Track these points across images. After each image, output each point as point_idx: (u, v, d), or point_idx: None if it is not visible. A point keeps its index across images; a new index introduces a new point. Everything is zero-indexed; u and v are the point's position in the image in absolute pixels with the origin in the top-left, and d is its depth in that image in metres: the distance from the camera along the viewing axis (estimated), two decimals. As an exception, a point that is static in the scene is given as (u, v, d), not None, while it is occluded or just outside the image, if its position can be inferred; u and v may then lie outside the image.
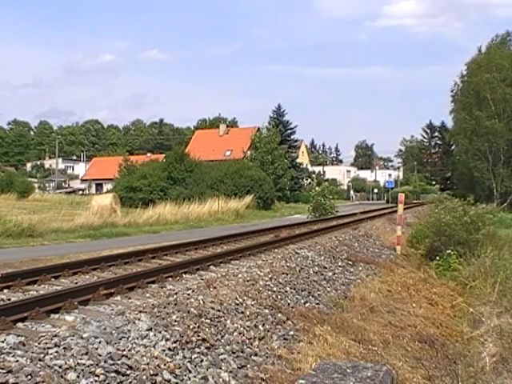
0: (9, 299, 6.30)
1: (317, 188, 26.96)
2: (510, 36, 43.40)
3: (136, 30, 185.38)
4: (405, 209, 18.38)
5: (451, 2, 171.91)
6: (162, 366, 4.48)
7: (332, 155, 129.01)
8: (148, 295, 6.86)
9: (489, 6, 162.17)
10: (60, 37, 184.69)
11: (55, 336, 4.43)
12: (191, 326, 5.36)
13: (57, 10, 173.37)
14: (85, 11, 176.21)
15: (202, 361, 4.94)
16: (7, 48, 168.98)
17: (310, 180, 59.81)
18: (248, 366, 5.28)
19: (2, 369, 3.68)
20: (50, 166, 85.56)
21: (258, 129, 52.15)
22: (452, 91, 45.67)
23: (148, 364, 4.41)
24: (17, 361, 3.88)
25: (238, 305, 6.59)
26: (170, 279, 7.90)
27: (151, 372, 4.29)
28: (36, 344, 4.26)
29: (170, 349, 4.83)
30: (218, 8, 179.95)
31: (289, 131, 58.40)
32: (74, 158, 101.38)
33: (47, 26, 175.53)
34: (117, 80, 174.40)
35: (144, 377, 4.18)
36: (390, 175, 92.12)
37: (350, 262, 11.72)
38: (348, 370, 3.32)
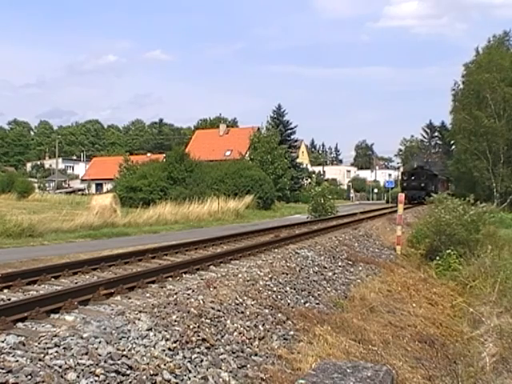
0: (9, 299, 6.31)
1: (317, 188, 26.92)
2: (507, 36, 43.46)
3: (139, 30, 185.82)
4: (405, 209, 18.37)
5: (453, 3, 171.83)
6: (162, 365, 4.49)
7: (332, 155, 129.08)
8: (148, 295, 6.87)
9: (490, 6, 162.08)
10: (63, 37, 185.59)
11: (55, 336, 4.43)
12: (191, 326, 5.37)
13: (60, 10, 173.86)
14: (88, 12, 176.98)
15: (201, 361, 4.94)
16: (11, 48, 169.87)
17: (309, 180, 59.81)
18: (248, 365, 5.28)
19: (2, 369, 3.68)
20: (50, 166, 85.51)
21: (258, 128, 52.14)
22: (452, 91, 45.77)
23: (148, 364, 4.41)
24: (17, 361, 3.88)
25: (237, 305, 6.59)
26: (170, 279, 7.91)
27: (151, 372, 4.29)
28: (36, 344, 4.26)
29: (170, 349, 4.83)
30: (220, 9, 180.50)
31: (289, 131, 58.36)
32: (74, 158, 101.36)
33: (51, 27, 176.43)
34: (119, 80, 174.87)
35: (144, 377, 4.18)
36: (390, 175, 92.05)
37: (350, 262, 11.72)
38: (348, 370, 3.32)
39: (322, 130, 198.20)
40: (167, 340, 4.93)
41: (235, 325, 6.00)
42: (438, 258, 13.67)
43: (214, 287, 6.98)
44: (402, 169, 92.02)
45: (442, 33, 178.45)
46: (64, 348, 4.21)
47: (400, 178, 50.90)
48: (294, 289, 8.39)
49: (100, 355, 4.24)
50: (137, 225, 20.56)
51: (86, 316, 5.52)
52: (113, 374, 4.03)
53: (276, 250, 11.42)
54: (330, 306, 8.40)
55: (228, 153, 55.46)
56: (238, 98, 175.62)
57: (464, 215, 14.62)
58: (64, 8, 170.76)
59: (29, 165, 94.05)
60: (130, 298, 6.67)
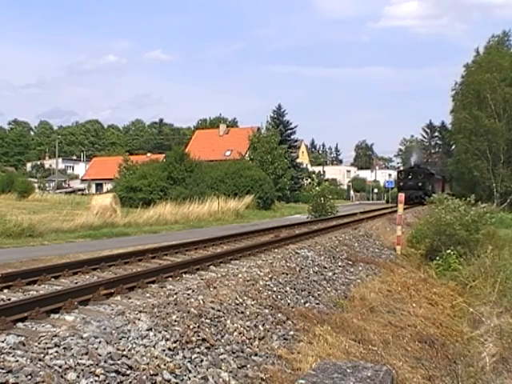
0: (9, 299, 6.31)
1: (317, 188, 26.92)
2: (506, 36, 43.52)
3: (139, 30, 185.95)
4: (405, 209, 18.37)
5: (453, 3, 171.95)
6: (162, 365, 4.48)
7: (332, 155, 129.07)
8: (148, 295, 6.87)
9: (491, 6, 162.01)
10: (63, 38, 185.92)
11: (55, 336, 4.43)
12: (191, 326, 5.36)
13: (60, 10, 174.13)
14: (88, 12, 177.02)
15: (201, 361, 4.94)
16: (11, 49, 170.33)
17: (310, 180, 59.78)
18: (248, 365, 5.28)
19: (2, 369, 3.68)
20: (50, 166, 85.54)
21: (258, 128, 52.13)
22: (453, 91, 45.80)
23: (148, 364, 4.40)
24: (17, 361, 3.88)
25: (237, 305, 6.59)
26: (170, 279, 7.90)
27: (151, 372, 4.29)
28: (36, 344, 4.26)
29: (169, 349, 4.83)
30: (220, 9, 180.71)
31: (289, 131, 58.37)
32: (74, 158, 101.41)
33: (51, 27, 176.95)
34: (120, 80, 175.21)
35: (144, 377, 4.17)
36: (390, 175, 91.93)
37: (350, 262, 11.71)
38: (348, 370, 3.32)
39: (322, 130, 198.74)
40: (167, 340, 4.93)
41: (235, 325, 6.00)
42: (438, 258, 13.67)
43: (214, 287, 6.98)
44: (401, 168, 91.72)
45: (442, 33, 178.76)
46: (64, 348, 4.21)
47: (396, 177, 46.53)
48: (294, 289, 8.38)
49: (100, 355, 4.24)
50: (137, 225, 20.56)
51: (86, 316, 5.51)
52: (113, 374, 4.03)
53: (276, 250, 11.41)
54: (330, 305, 8.40)
55: (228, 153, 55.47)
56: (237, 98, 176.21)
57: (465, 216, 14.61)
58: (64, 8, 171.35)
59: (29, 165, 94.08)
60: (130, 298, 6.66)
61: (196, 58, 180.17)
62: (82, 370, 3.95)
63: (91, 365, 4.04)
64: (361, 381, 3.15)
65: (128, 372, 4.16)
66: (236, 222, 24.91)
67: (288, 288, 8.27)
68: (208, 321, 5.73)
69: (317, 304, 8.24)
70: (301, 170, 59.64)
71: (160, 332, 5.01)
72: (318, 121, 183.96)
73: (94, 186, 71.94)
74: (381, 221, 21.87)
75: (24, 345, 4.27)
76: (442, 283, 12.03)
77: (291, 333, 6.55)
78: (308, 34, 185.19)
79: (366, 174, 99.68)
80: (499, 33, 43.81)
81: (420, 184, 39.44)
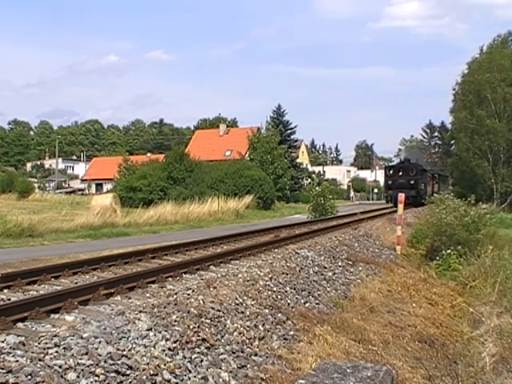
0: (9, 299, 6.31)
1: (317, 188, 26.90)
2: (511, 36, 43.63)
3: (139, 30, 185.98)
4: (405, 209, 18.36)
5: (454, 4, 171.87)
6: (162, 365, 4.48)
7: (332, 155, 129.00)
8: (148, 295, 6.87)
9: (492, 7, 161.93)
10: (64, 38, 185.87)
11: (55, 336, 4.43)
12: (191, 326, 5.36)
13: (61, 10, 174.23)
14: (89, 12, 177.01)
15: (201, 361, 4.93)
16: (12, 49, 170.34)
17: (310, 180, 59.74)
18: (248, 365, 5.28)
19: (2, 369, 3.68)
20: (50, 166, 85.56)
21: (258, 129, 52.11)
22: (454, 90, 45.87)
23: (148, 364, 4.40)
24: (17, 361, 3.88)
25: (237, 305, 6.59)
26: (170, 279, 7.91)
27: (151, 372, 4.28)
28: (36, 344, 4.26)
29: (169, 349, 4.83)
30: (220, 9, 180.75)
31: (289, 131, 58.30)
32: (74, 158, 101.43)
33: (52, 27, 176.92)
34: (120, 80, 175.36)
35: (144, 377, 4.17)
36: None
37: (350, 262, 11.71)
38: (348, 370, 3.31)
39: (322, 130, 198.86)
40: (167, 340, 4.93)
41: (235, 325, 5.99)
42: (438, 258, 13.67)
43: (214, 287, 6.98)
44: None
45: (443, 33, 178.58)
46: (64, 348, 4.21)
47: (384, 174, 39.22)
48: (294, 289, 8.38)
49: (100, 355, 4.24)
50: (137, 225, 20.56)
51: (86, 316, 5.52)
52: (113, 374, 4.03)
53: (276, 250, 11.41)
54: (330, 306, 8.40)
55: (228, 153, 55.47)
56: (238, 98, 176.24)
57: (465, 216, 14.62)
58: (65, 8, 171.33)
59: (29, 165, 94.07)
60: (130, 298, 6.67)
61: (196, 58, 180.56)
62: (82, 370, 3.95)
63: (91, 365, 4.04)
64: (361, 381, 3.14)
65: (128, 372, 4.16)
66: (236, 222, 24.90)
67: (288, 288, 8.26)
68: (208, 321, 5.73)
69: (317, 304, 8.24)
70: (301, 170, 59.60)
71: (160, 332, 5.01)
72: (318, 121, 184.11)
73: (94, 186, 71.94)
74: (381, 221, 21.86)
75: (24, 345, 4.26)
76: (441, 283, 12.03)
77: (291, 333, 6.55)
78: (308, 35, 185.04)
79: (366, 174, 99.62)
80: (505, 32, 44.06)
81: (412, 182, 34.10)
